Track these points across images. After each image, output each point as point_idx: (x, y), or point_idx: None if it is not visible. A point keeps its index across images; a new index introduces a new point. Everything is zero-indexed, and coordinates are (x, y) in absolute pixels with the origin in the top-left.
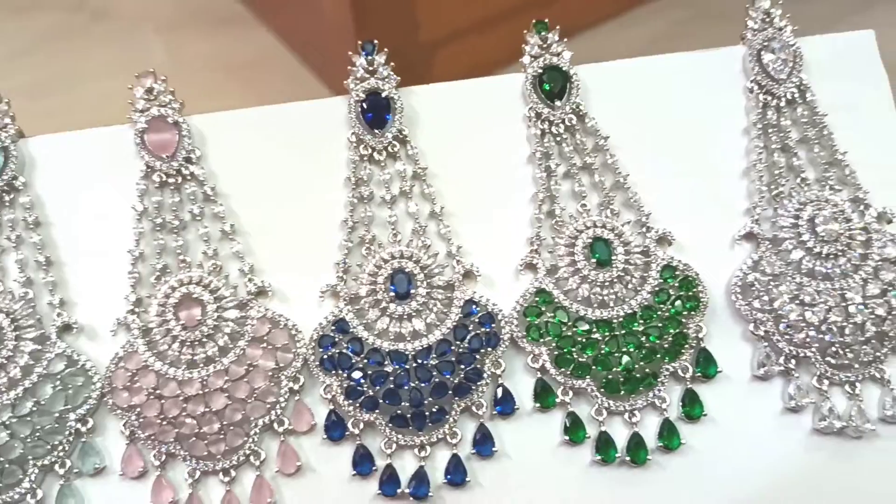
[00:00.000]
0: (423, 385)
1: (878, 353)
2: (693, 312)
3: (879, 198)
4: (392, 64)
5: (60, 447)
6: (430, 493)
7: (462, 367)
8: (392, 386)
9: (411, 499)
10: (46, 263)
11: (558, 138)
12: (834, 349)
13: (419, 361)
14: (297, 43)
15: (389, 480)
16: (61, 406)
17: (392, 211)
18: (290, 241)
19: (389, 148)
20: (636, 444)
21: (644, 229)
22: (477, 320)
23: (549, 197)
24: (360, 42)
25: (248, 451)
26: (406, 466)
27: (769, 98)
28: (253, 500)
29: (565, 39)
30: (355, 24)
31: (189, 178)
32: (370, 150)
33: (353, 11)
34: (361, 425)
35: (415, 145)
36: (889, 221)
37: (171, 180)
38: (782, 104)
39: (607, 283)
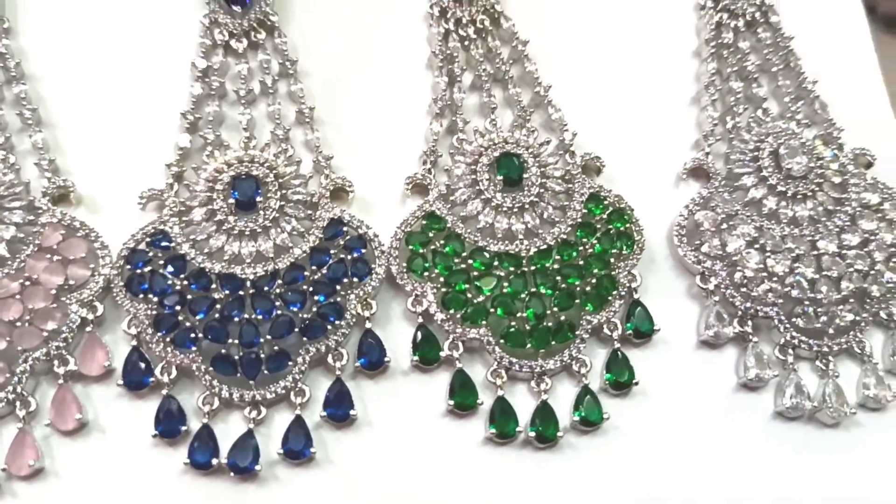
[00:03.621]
0: (261, 317)
1: (857, 318)
2: (625, 252)
3: (854, 136)
4: None
5: None
6: (257, 468)
7: (317, 299)
8: (217, 316)
9: (231, 473)
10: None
11: (466, 41)
12: (802, 309)
13: (259, 288)
14: None
15: (203, 447)
16: None
17: (247, 110)
18: (106, 135)
19: (252, 34)
20: (544, 416)
21: (566, 153)
22: (343, 244)
23: (449, 107)
24: None
25: (10, 396)
26: (230, 431)
27: (725, 16)
28: (9, 462)
29: None
30: None
31: None
32: (226, 35)
33: None
34: (174, 371)
35: (285, 34)
36: (868, 165)
37: None
38: (741, 24)
39: (516, 210)
